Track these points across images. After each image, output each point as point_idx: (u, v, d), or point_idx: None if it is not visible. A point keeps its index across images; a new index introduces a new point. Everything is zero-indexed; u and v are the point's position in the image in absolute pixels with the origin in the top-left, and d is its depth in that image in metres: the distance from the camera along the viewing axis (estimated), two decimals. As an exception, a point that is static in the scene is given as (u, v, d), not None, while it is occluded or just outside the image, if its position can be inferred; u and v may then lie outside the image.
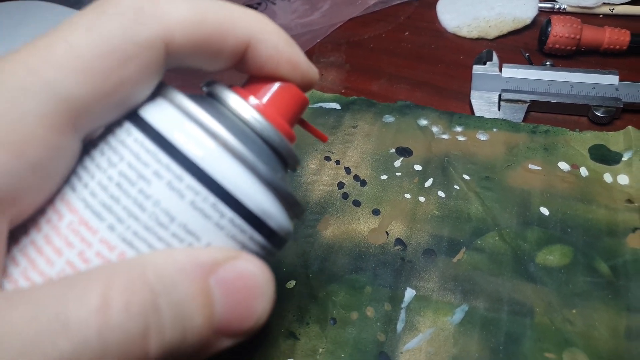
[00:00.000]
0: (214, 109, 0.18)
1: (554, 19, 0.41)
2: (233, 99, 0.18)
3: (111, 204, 0.16)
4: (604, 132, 0.34)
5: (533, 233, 0.30)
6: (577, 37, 0.40)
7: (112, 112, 0.16)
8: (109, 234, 0.16)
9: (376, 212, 0.32)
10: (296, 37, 0.47)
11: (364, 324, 0.28)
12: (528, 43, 0.44)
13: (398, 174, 0.34)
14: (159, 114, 0.17)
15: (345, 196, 0.33)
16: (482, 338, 0.27)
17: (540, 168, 0.33)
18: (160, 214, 0.16)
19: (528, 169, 0.33)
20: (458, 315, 0.28)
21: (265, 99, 0.19)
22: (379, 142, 0.36)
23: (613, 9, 0.44)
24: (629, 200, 0.31)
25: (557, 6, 0.45)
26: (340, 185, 0.34)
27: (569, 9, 0.45)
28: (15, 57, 0.15)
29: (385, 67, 0.44)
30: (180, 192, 0.16)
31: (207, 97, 0.19)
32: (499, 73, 0.39)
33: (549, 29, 0.40)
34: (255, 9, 0.50)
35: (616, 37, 0.40)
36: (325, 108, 0.39)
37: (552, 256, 0.29)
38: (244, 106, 0.18)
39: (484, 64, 0.40)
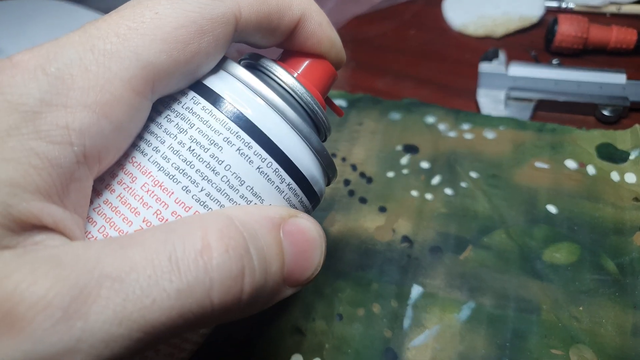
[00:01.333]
0: (269, 82, 0.20)
1: (561, 17, 0.41)
2: (282, 73, 0.20)
3: (185, 167, 0.17)
4: (611, 130, 0.34)
5: (540, 231, 0.30)
6: (584, 36, 0.40)
7: (184, 80, 0.17)
8: (184, 195, 0.17)
9: (382, 210, 0.32)
10: None
11: (370, 320, 0.28)
12: (534, 42, 0.44)
13: (405, 171, 0.34)
14: (224, 85, 0.18)
15: (351, 193, 0.33)
16: (488, 335, 0.27)
17: (547, 166, 0.33)
18: (231, 177, 0.18)
19: (535, 167, 0.33)
20: (465, 312, 0.28)
21: (306, 72, 0.21)
22: (385, 139, 0.36)
23: (620, 8, 0.43)
24: (636, 199, 0.31)
25: (563, 5, 0.45)
26: (346, 182, 0.34)
27: (575, 8, 0.45)
28: (105, 23, 0.16)
29: (391, 64, 0.44)
30: (249, 158, 0.18)
31: (255, 70, 0.20)
32: (506, 71, 0.39)
33: (556, 28, 0.40)
34: None
35: (623, 36, 0.40)
36: (331, 105, 0.39)
37: (559, 254, 0.29)
38: (292, 80, 0.20)
39: (490, 62, 0.40)
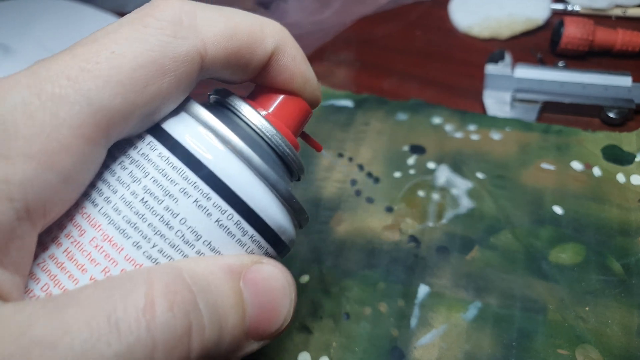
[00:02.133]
0: (233, 122, 0.18)
1: (567, 20, 0.41)
2: (249, 112, 0.19)
3: (137, 221, 0.16)
4: (617, 132, 0.35)
5: (546, 231, 0.30)
6: (590, 38, 0.40)
7: (142, 123, 0.16)
8: (135, 251, 0.16)
9: (389, 209, 0.33)
10: (307, 35, 0.47)
11: (378, 319, 0.28)
12: (540, 44, 0.44)
13: (411, 171, 0.34)
14: (184, 129, 0.17)
15: (358, 193, 0.34)
16: (494, 334, 0.27)
17: (553, 167, 0.33)
18: (187, 231, 0.16)
19: (541, 168, 0.33)
20: (471, 311, 0.28)
21: (277, 111, 0.20)
22: (391, 139, 0.36)
23: (625, 11, 0.44)
24: (642, 200, 0.31)
25: (569, 7, 0.45)
26: (353, 182, 0.34)
27: (581, 11, 0.45)
28: (55, 64, 0.15)
29: (396, 65, 0.44)
30: (208, 210, 0.16)
31: (221, 108, 0.19)
32: (512, 73, 0.39)
33: (562, 30, 0.41)
34: (267, 7, 0.50)
35: (629, 39, 0.40)
36: (336, 106, 0.39)
37: (565, 254, 0.29)
38: (260, 120, 0.18)
39: (497, 63, 0.40)
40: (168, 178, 0.16)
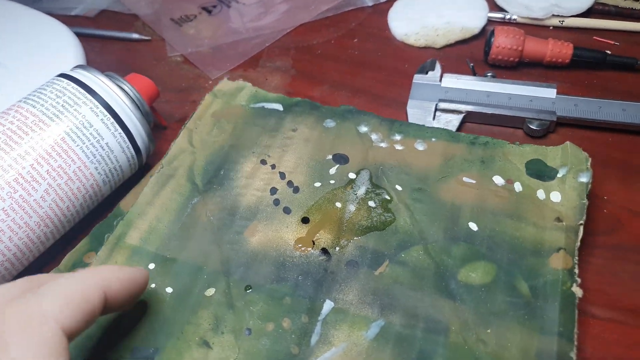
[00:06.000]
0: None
1: (498, 29, 0.40)
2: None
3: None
4: (544, 146, 0.34)
5: (459, 249, 0.30)
6: (520, 48, 0.39)
7: None
8: None
9: (305, 221, 0.32)
10: (246, 40, 0.46)
11: (279, 336, 0.27)
12: (475, 53, 0.43)
13: (332, 181, 0.34)
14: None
15: (276, 202, 0.33)
16: (394, 355, 0.26)
17: (474, 181, 0.33)
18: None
19: (462, 182, 0.33)
20: (373, 330, 0.27)
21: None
22: (317, 147, 0.36)
23: (563, 21, 0.43)
24: (558, 219, 0.30)
25: (507, 17, 0.45)
26: (273, 190, 0.33)
27: (519, 20, 0.44)
28: None
29: (329, 73, 0.43)
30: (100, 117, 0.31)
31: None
32: (439, 83, 0.39)
33: (492, 40, 0.40)
34: (210, 12, 0.50)
35: (559, 50, 0.39)
36: (267, 108, 0.38)
37: (475, 273, 0.29)
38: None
39: (427, 73, 0.39)
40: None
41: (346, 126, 0.37)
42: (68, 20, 0.48)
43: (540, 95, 0.37)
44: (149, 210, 0.33)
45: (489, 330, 0.27)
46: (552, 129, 0.37)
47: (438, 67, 0.40)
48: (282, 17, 0.48)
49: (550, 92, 0.37)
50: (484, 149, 0.34)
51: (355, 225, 0.32)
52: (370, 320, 0.28)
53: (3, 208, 0.27)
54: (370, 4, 0.50)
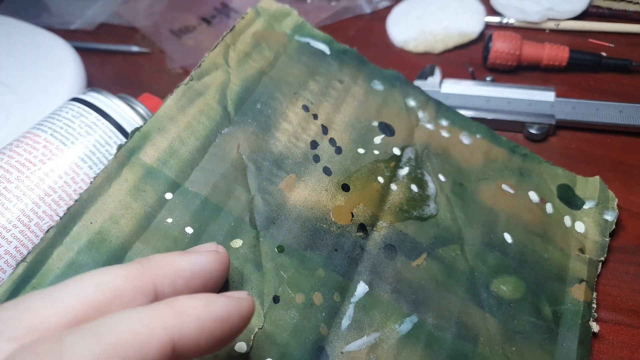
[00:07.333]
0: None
1: (495, 34, 0.40)
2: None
3: None
4: (573, 174, 0.34)
5: (494, 258, 0.29)
6: (517, 53, 0.39)
7: None
8: None
9: (345, 188, 0.29)
10: None
11: (309, 311, 0.25)
12: (473, 58, 0.43)
13: (376, 152, 0.31)
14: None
15: (316, 159, 0.29)
16: (424, 355, 0.25)
17: (512, 191, 0.32)
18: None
19: (501, 189, 0.32)
20: (406, 325, 0.26)
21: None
22: (363, 109, 0.32)
23: (558, 24, 0.43)
24: (581, 250, 0.31)
25: (504, 21, 0.44)
26: (314, 144, 0.30)
27: (516, 24, 0.44)
28: None
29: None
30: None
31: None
32: (439, 88, 0.38)
33: (490, 45, 0.40)
34: (209, 22, 0.50)
35: (555, 53, 0.39)
36: (313, 47, 0.34)
37: (506, 287, 0.28)
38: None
39: (426, 79, 0.38)
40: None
41: (394, 94, 0.34)
42: (67, 34, 0.49)
43: (539, 98, 0.37)
44: (171, 128, 0.27)
45: (514, 348, 0.27)
46: (552, 132, 0.37)
47: (438, 72, 0.39)
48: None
49: (548, 95, 0.37)
50: (523, 160, 0.34)
51: (396, 207, 0.29)
52: (404, 314, 0.26)
53: (29, 226, 0.27)
54: (368, 11, 0.49)
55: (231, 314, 0.18)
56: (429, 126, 0.33)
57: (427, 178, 0.31)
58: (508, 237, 0.30)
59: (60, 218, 0.23)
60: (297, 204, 0.27)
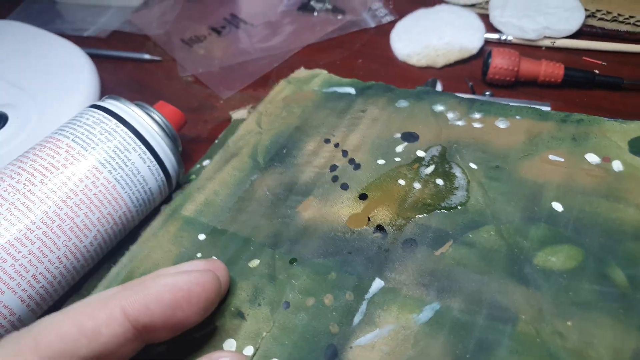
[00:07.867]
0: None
1: (494, 51, 0.40)
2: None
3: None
4: (656, 123, 0.28)
5: (538, 230, 0.25)
6: (515, 69, 0.39)
7: None
8: None
9: (363, 197, 0.29)
10: (255, 61, 0.47)
11: (318, 312, 0.25)
12: (473, 72, 0.43)
13: (397, 159, 0.31)
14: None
15: (335, 179, 0.31)
16: (448, 342, 0.22)
17: (562, 159, 0.28)
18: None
19: (548, 160, 0.28)
20: (426, 313, 0.24)
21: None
22: (385, 126, 0.33)
23: (554, 42, 0.44)
24: (669, 201, 0.25)
25: (502, 37, 0.46)
26: (333, 167, 0.31)
27: (514, 41, 0.45)
28: None
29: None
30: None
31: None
32: None
33: (490, 61, 0.40)
34: (219, 32, 0.51)
35: (551, 70, 0.39)
36: (339, 92, 0.37)
37: (556, 257, 0.24)
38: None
39: None
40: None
41: (420, 105, 0.34)
42: (80, 41, 0.49)
43: None
44: (208, 185, 0.32)
45: (569, 323, 0.22)
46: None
47: (439, 86, 0.40)
48: (289, 38, 0.49)
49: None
50: (577, 126, 0.30)
51: (419, 203, 0.28)
52: (424, 303, 0.24)
53: (52, 229, 0.27)
54: (373, 25, 0.50)
55: (177, 283, 0.21)
56: (459, 123, 0.32)
57: (455, 170, 0.29)
58: (558, 206, 0.26)
59: (115, 265, 0.29)
60: (313, 219, 0.29)
